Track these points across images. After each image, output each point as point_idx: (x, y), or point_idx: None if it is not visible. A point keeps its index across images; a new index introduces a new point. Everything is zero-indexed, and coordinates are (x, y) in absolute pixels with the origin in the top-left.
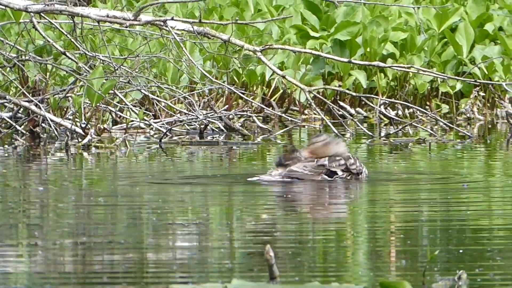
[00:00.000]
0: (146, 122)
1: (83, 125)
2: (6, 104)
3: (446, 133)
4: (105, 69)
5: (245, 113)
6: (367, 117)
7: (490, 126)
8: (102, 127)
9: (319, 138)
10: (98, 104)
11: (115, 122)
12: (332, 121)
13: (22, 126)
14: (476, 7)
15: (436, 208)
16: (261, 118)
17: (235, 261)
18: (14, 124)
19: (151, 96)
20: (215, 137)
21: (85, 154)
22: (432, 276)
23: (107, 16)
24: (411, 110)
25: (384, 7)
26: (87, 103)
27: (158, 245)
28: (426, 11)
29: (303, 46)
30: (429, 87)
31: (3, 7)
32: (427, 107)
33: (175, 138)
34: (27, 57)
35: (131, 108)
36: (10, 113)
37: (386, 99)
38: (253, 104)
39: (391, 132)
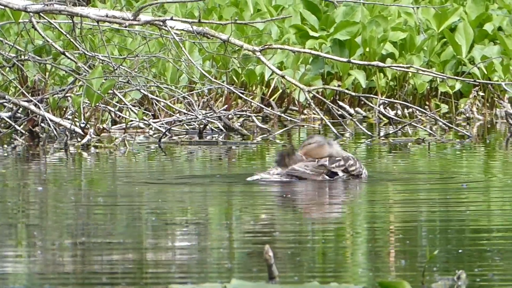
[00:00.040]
0: (145, 122)
1: (82, 125)
2: (5, 104)
3: (446, 133)
4: (104, 69)
5: (244, 113)
6: (367, 117)
7: (489, 126)
8: (101, 127)
9: (312, 140)
10: (97, 104)
11: (114, 122)
12: (331, 121)
13: (21, 126)
14: (475, 7)
15: (435, 208)
16: (260, 118)
17: (235, 261)
18: (13, 124)
19: (150, 96)
20: (215, 137)
21: (84, 154)
22: (432, 276)
23: (106, 16)
24: (410, 110)
25: (384, 7)
26: (87, 103)
27: (157, 245)
28: (426, 11)
29: (303, 46)
30: (428, 87)
31: (3, 7)
32: (426, 107)
33: (174, 138)
34: (26, 57)
35: (130, 108)
36: (9, 113)
37: (386, 99)
38: (252, 104)
39: (390, 132)
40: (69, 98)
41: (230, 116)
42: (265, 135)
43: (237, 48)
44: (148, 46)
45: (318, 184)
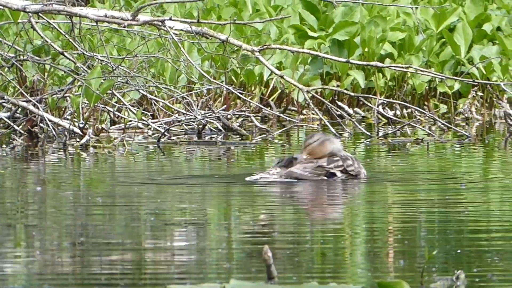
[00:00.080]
0: (144, 122)
1: (81, 125)
2: (4, 104)
3: (444, 133)
4: (103, 69)
5: (243, 113)
6: (365, 117)
7: (488, 126)
8: (100, 127)
9: (313, 138)
10: (96, 104)
11: (113, 122)
12: (330, 121)
13: (20, 126)
14: (474, 7)
15: (434, 208)
16: (259, 118)
17: (233, 262)
18: (12, 124)
19: (149, 96)
20: (213, 137)
21: (83, 154)
22: (430, 276)
23: (105, 16)
24: (409, 110)
25: (382, 7)
26: (85, 103)
27: (156, 245)
28: (424, 11)
29: (301, 46)
30: (427, 87)
31: (1, 7)
32: (425, 107)
33: (173, 138)
34: (25, 57)
35: (129, 108)
36: (8, 113)
37: (384, 99)
38: (251, 104)
39: (389, 132)
40: (68, 98)
41: (229, 116)
42: (264, 135)
43: (236, 48)
44: (147, 46)
45: (317, 184)
